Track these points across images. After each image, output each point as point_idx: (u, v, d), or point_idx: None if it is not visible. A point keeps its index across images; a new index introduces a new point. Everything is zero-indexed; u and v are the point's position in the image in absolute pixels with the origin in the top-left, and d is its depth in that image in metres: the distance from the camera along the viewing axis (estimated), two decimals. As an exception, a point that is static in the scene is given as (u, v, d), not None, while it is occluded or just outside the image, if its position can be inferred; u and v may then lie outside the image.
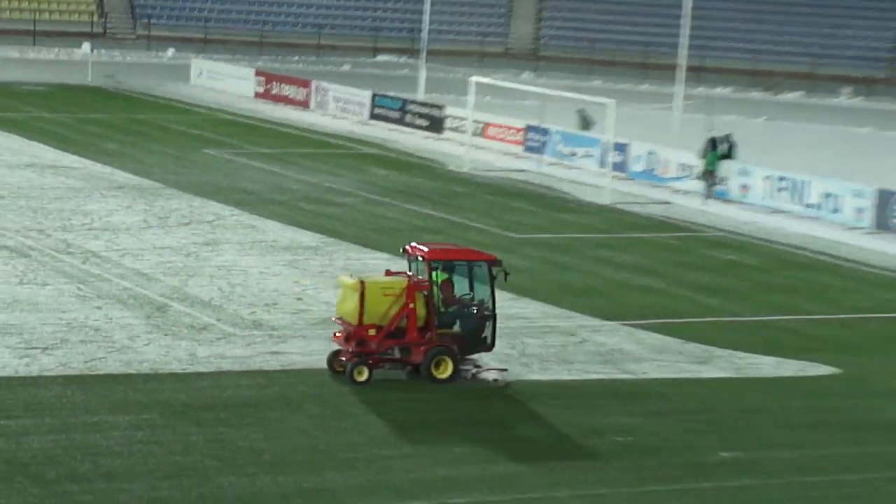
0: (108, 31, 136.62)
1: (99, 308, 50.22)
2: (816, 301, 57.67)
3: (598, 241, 66.04)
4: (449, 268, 45.32)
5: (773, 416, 43.58)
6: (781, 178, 75.38)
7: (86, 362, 44.39)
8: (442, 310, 44.60)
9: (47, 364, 44.01)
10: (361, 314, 43.93)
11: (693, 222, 71.83)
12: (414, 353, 44.35)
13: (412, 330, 44.30)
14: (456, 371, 44.43)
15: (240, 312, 50.82)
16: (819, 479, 38.12)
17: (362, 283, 44.07)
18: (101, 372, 43.66)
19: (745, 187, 76.39)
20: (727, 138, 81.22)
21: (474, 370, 45.35)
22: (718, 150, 77.89)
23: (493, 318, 45.04)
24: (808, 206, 73.69)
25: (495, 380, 45.40)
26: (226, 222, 65.39)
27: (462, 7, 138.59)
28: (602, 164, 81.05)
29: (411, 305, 44.05)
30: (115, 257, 57.63)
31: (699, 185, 77.50)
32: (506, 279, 45.94)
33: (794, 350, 50.10)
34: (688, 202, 76.30)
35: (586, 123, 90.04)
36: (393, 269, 46.66)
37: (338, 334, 44.89)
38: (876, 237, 69.72)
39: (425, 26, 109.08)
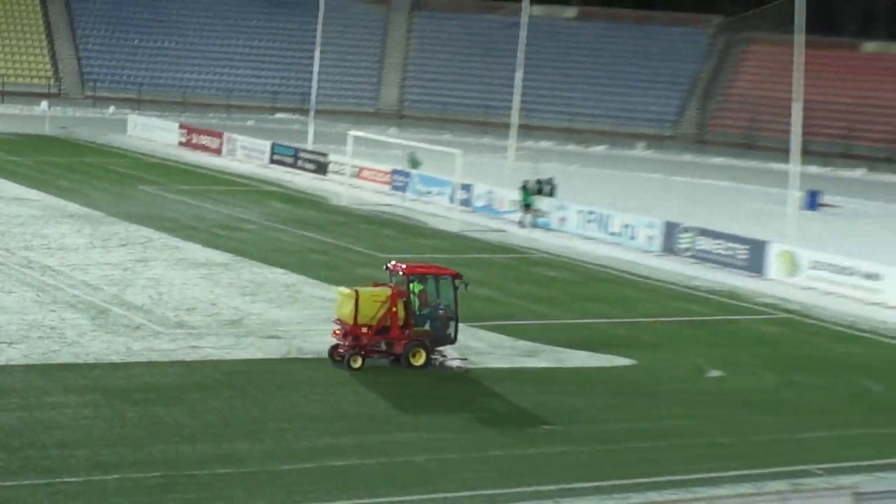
0: (61, 92, 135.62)
1: (54, 311, 49.85)
2: (618, 308, 57.97)
3: (448, 260, 65.96)
4: (422, 280, 46.42)
5: (583, 396, 43.87)
6: (590, 212, 75.74)
7: (43, 354, 44.10)
8: (417, 313, 45.79)
9: (12, 355, 43.68)
10: (356, 316, 44.93)
11: (522, 246, 72.05)
12: (396, 346, 45.68)
13: (395, 328, 45.58)
14: (428, 360, 45.74)
15: (166, 315, 50.55)
16: (617, 447, 38.45)
17: (357, 292, 45.31)
18: (56, 362, 43.43)
19: (562, 219, 76.62)
20: (550, 181, 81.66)
21: (441, 359, 46.28)
22: (529, 190, 78.35)
23: (456, 319, 46.33)
24: (611, 234, 74.08)
25: (458, 367, 46.36)
26: (155, 244, 65.02)
27: (342, 76, 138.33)
28: (452, 200, 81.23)
29: (394, 309, 45.32)
30: (66, 271, 57.19)
31: (522, 217, 77.88)
32: (465, 288, 47.19)
33: (602, 346, 50.35)
34: (518, 230, 76.48)
35: (415, 164, 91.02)
36: (378, 281, 47.26)
37: (336, 332, 45.75)
38: (663, 258, 70.13)
39: (313, 91, 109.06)
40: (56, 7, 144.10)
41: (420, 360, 45.87)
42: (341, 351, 45.67)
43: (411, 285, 46.38)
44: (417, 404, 41.80)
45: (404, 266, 47.45)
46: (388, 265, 47.80)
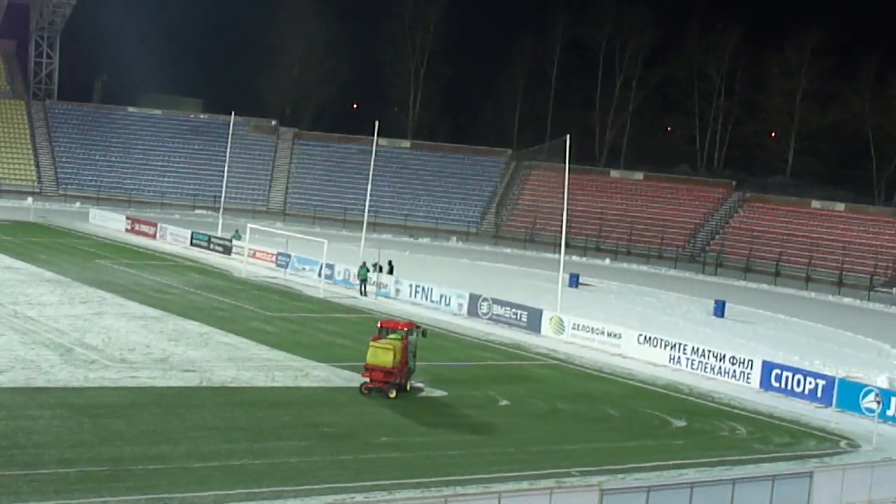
0: (42, 191, 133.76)
1: (33, 349, 49.06)
2: (437, 353, 57.68)
3: (317, 318, 65.84)
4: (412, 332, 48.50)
5: (410, 416, 43.88)
6: (418, 286, 75.79)
7: (24, 380, 43.42)
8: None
9: (2, 381, 42.97)
10: (394, 361, 46.34)
11: (369, 308, 71.79)
12: (401, 378, 47.15)
13: (402, 365, 47.11)
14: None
15: (113, 353, 49.87)
16: (432, 453, 38.43)
17: (394, 345, 46.57)
18: (33, 385, 42.79)
19: (398, 290, 76.64)
20: (389, 262, 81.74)
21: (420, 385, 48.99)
22: (366, 268, 78.16)
23: (414, 356, 48.60)
24: (432, 301, 74.14)
25: (419, 388, 48.72)
26: (107, 302, 64.18)
27: (242, 184, 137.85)
28: (319, 275, 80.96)
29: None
30: (43, 320, 56.31)
31: (360, 288, 77.72)
32: (425, 335, 50.48)
33: (425, 381, 49.95)
34: (367, 298, 76.35)
35: (237, 237, 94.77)
36: (375, 335, 47.96)
37: (369, 374, 46.62)
38: (468, 319, 70.25)
39: (223, 194, 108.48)
40: (40, 130, 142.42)
41: (408, 385, 47.80)
42: (370, 386, 46.48)
43: (411, 337, 48.13)
44: (295, 420, 41.60)
45: (405, 322, 51.88)
46: (381, 322, 49.65)
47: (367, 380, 46.73)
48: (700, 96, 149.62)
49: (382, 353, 46.48)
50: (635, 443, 43.29)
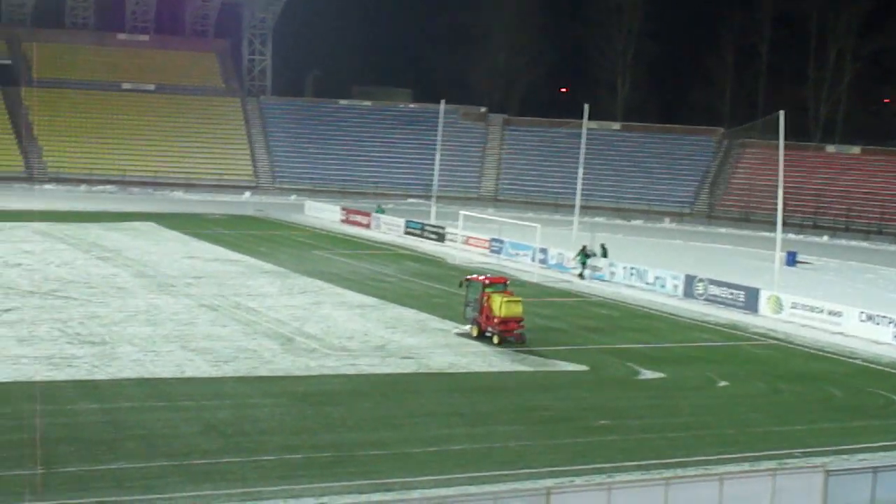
0: (259, 185, 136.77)
1: (255, 339, 50.26)
2: (653, 335, 57.65)
3: (531, 302, 65.84)
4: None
5: (627, 399, 43.64)
6: (632, 268, 75.36)
7: (248, 369, 44.54)
8: None
9: (227, 370, 44.18)
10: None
11: (583, 292, 71.74)
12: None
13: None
14: None
15: (332, 342, 50.74)
16: (654, 436, 38.17)
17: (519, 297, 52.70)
18: (256, 375, 43.87)
19: (612, 273, 76.29)
20: (602, 245, 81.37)
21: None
22: (585, 252, 77.95)
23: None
24: (647, 283, 73.64)
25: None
26: (325, 291, 65.28)
27: (454, 171, 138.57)
28: (533, 259, 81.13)
29: None
30: (263, 311, 57.57)
31: (580, 271, 77.51)
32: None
33: (641, 363, 50.05)
34: (580, 281, 76.18)
35: (381, 210, 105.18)
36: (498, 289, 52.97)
37: (503, 327, 51.53)
38: (684, 301, 69.60)
39: (435, 182, 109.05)
40: (255, 126, 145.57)
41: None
42: (506, 336, 51.51)
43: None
44: (512, 404, 41.68)
45: (498, 276, 59.76)
46: (467, 278, 54.83)
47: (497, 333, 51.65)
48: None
49: (514, 306, 51.67)
50: (859, 423, 42.30)
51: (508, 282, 55.32)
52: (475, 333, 52.82)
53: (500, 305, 51.53)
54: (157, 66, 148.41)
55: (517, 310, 51.67)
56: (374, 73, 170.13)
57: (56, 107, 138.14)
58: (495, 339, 51.75)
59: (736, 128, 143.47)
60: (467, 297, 54.27)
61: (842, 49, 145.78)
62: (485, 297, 52.53)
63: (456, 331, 54.68)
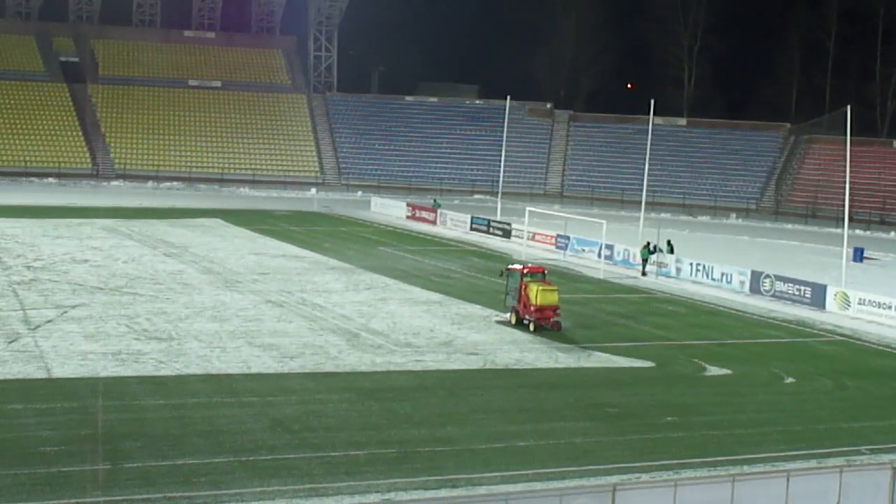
0: (325, 181, 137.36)
1: (321, 335, 50.35)
2: (719, 332, 57.31)
3: (597, 298, 65.71)
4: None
5: (693, 395, 43.42)
6: (698, 264, 74.94)
7: (314, 365, 44.65)
8: None
9: (293, 366, 44.30)
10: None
11: (650, 288, 71.42)
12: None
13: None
14: None
15: (398, 338, 50.75)
16: (719, 432, 38.03)
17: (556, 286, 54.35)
18: (322, 371, 43.93)
19: (678, 269, 75.88)
20: (668, 241, 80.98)
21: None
22: (649, 248, 77.34)
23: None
24: (713, 279, 73.22)
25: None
26: (390, 288, 65.35)
27: (520, 168, 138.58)
28: (599, 256, 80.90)
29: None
30: (329, 307, 57.72)
31: (643, 268, 77.17)
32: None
33: (707, 359, 49.77)
34: (647, 277, 75.87)
35: (437, 205, 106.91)
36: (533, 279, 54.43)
37: (539, 315, 52.98)
38: (751, 297, 69.15)
39: (500, 179, 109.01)
40: (321, 122, 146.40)
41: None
42: (542, 324, 52.96)
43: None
44: (578, 401, 41.58)
45: (536, 265, 60.59)
46: (508, 267, 56.84)
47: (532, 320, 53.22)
48: None
49: (550, 294, 53.17)
50: (928, 420, 41.93)
51: (546, 271, 56.69)
52: (513, 321, 54.24)
53: (537, 294, 52.95)
54: (223, 63, 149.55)
55: (553, 298, 53.08)
56: (439, 70, 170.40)
57: (123, 104, 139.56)
58: (531, 327, 53.16)
59: (802, 123, 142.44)
60: (507, 286, 55.69)
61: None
62: (523, 286, 53.68)
63: (496, 318, 55.64)
